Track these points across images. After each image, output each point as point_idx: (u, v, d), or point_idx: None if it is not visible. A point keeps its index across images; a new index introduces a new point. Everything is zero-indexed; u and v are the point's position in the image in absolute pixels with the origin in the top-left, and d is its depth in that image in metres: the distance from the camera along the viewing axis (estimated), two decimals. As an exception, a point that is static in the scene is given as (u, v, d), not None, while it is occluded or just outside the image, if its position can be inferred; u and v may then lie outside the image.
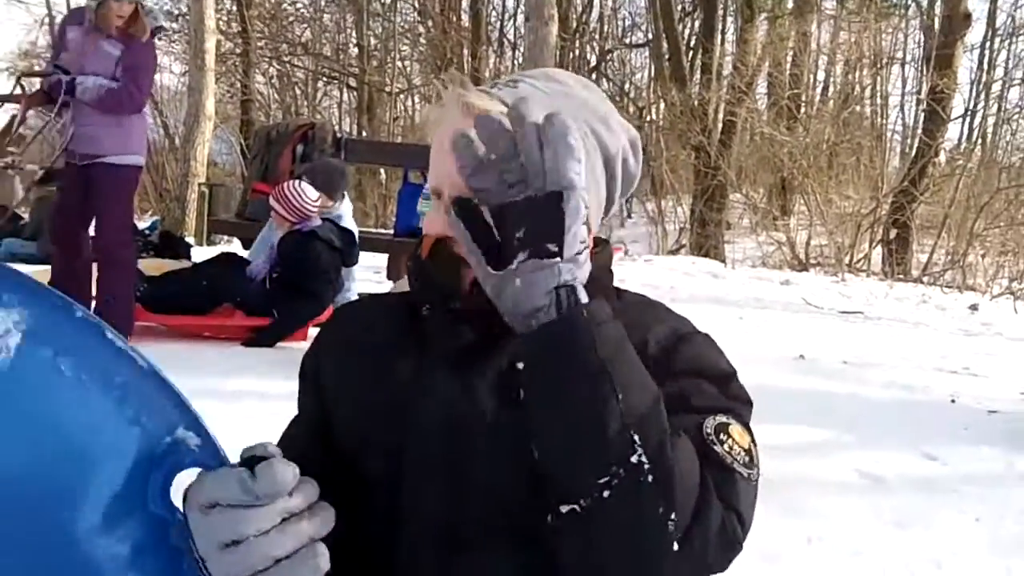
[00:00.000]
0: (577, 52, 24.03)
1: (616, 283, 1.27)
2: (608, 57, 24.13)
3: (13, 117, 6.34)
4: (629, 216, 20.43)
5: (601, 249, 1.24)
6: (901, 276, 13.80)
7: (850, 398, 5.54)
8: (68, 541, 0.89)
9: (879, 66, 21.19)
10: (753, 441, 1.08)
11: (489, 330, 1.12)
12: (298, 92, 24.73)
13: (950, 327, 8.80)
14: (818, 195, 15.47)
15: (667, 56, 19.34)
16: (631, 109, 22.11)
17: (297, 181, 6.20)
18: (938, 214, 15.84)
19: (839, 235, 14.69)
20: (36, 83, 6.02)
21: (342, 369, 1.25)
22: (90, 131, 5.44)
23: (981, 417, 5.25)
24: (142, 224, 11.33)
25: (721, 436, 1.04)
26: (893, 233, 15.25)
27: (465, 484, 1.10)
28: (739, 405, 1.14)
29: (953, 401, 5.61)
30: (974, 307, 10.21)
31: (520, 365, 1.07)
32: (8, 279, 0.87)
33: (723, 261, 14.35)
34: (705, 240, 16.11)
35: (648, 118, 21.53)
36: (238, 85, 22.17)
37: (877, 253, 15.33)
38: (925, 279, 13.86)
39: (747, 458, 1.05)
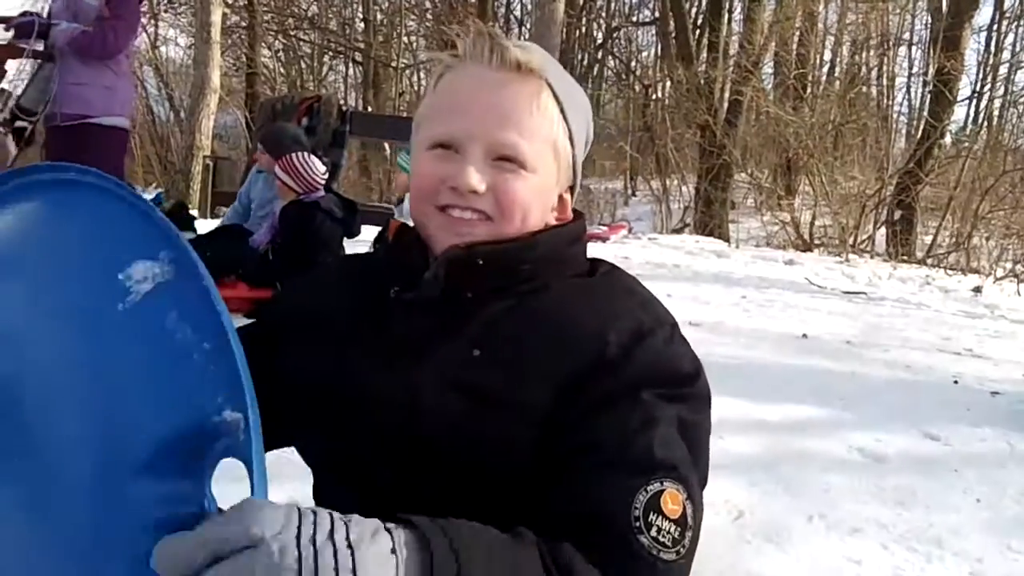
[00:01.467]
0: (583, 30, 23.97)
1: (619, 261, 1.28)
2: (614, 35, 24.06)
3: None
4: (633, 195, 20.40)
5: (572, 221, 1.26)
6: (905, 257, 13.78)
7: (852, 378, 5.53)
8: (115, 480, 0.91)
9: (886, 47, 21.11)
10: (689, 497, 1.02)
11: (448, 317, 1.15)
12: (304, 66, 24.66)
13: (953, 309, 8.78)
14: (823, 175, 15.44)
15: (674, 35, 19.29)
16: (637, 87, 22.05)
17: (304, 153, 6.18)
18: (943, 196, 15.82)
19: (843, 216, 14.65)
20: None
21: (295, 337, 1.26)
22: (75, 89, 5.26)
23: (983, 398, 5.24)
24: (146, 196, 11.31)
25: (650, 518, 0.98)
26: (898, 214, 15.23)
27: (415, 467, 1.11)
28: (697, 410, 1.11)
29: (956, 382, 5.60)
30: (977, 289, 10.19)
31: (476, 352, 1.11)
32: (173, 241, 0.95)
33: (727, 240, 14.33)
34: (709, 219, 16.10)
35: (654, 96, 21.47)
36: (243, 58, 22.12)
37: (881, 234, 15.31)
38: (929, 261, 13.84)
39: (677, 532, 1.00)
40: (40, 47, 5.31)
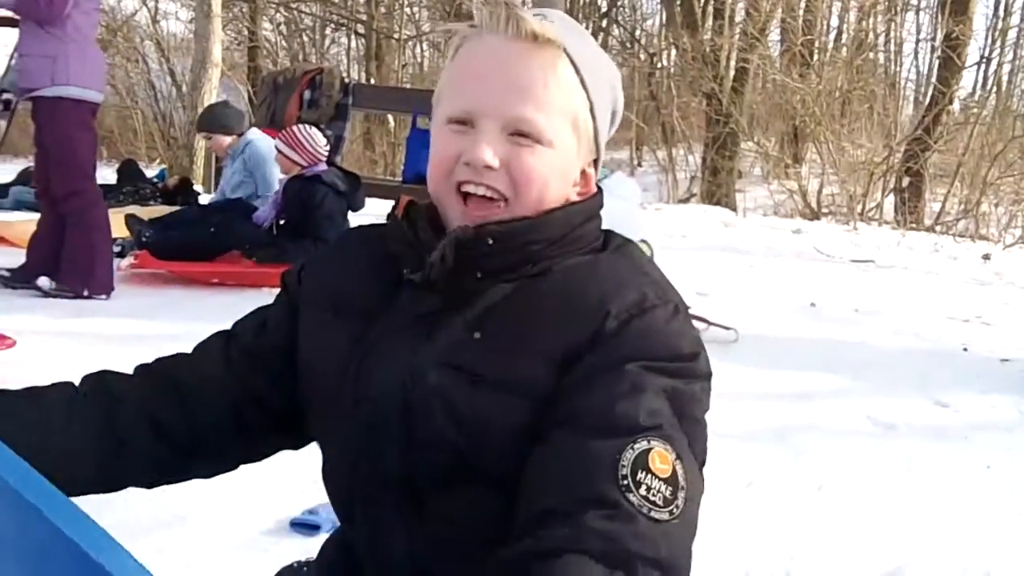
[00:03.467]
0: (588, -3, 23.80)
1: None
2: (619, 3, 23.84)
3: None
4: (640, 165, 20.33)
5: (589, 199, 1.22)
6: (913, 225, 13.73)
7: (861, 346, 5.51)
8: None
9: (893, 12, 20.87)
10: (679, 457, 0.99)
11: (454, 298, 1.13)
12: (306, 39, 24.52)
13: (962, 276, 8.75)
14: (831, 143, 15.35)
15: (679, 2, 19.13)
16: (642, 56, 21.91)
17: (306, 126, 6.16)
18: (951, 163, 15.72)
19: (851, 183, 14.58)
20: None
21: (313, 315, 1.25)
22: (23, 62, 5.22)
23: (993, 366, 5.23)
24: (150, 172, 11.31)
25: (638, 476, 0.95)
26: (906, 182, 15.18)
27: (415, 445, 1.09)
28: (691, 382, 1.07)
29: (965, 350, 5.58)
30: (987, 256, 10.15)
31: (476, 335, 1.09)
32: None
33: (734, 210, 14.28)
34: (716, 188, 16.03)
35: (659, 65, 21.34)
36: (245, 32, 22.02)
37: (889, 202, 15.25)
38: (938, 228, 13.78)
39: (668, 491, 0.96)
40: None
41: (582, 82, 1.15)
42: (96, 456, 1.18)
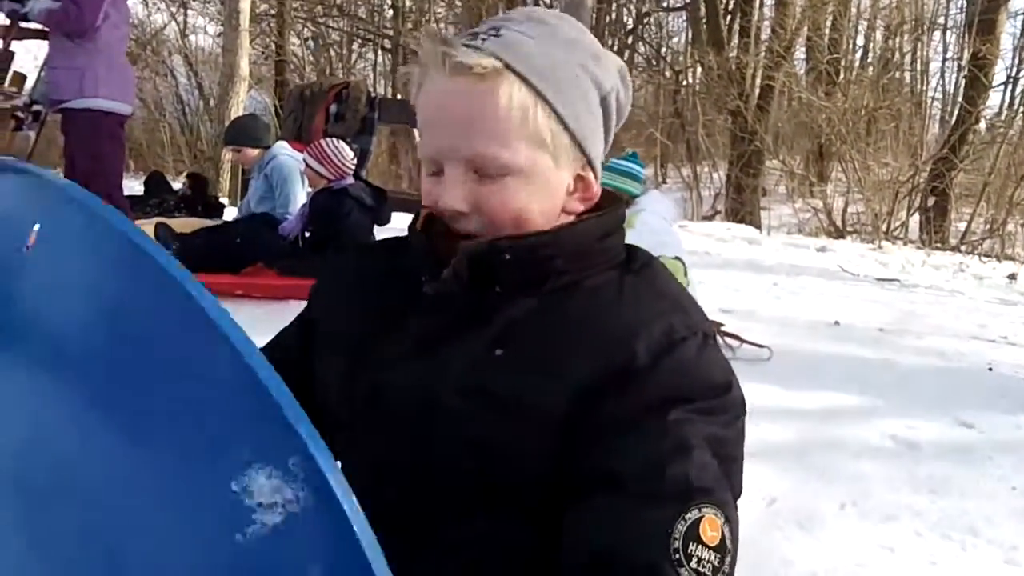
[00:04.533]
0: (613, 15, 23.84)
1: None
2: (645, 20, 23.88)
3: None
4: (664, 181, 20.32)
5: (609, 210, 1.18)
6: (939, 244, 13.67)
7: (885, 365, 5.48)
8: None
9: (920, 31, 20.83)
10: (727, 519, 0.98)
11: (473, 313, 1.09)
12: (332, 54, 24.67)
13: (987, 296, 8.70)
14: (856, 162, 15.32)
15: (705, 20, 19.17)
16: (668, 73, 21.93)
17: (334, 139, 6.19)
18: (977, 182, 15.67)
19: (876, 202, 14.55)
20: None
21: (325, 332, 1.24)
22: (52, 75, 5.28)
23: (1018, 386, 5.18)
24: (177, 185, 11.39)
25: (690, 548, 0.94)
26: (931, 201, 15.12)
27: (430, 469, 1.06)
28: (730, 422, 1.06)
29: (990, 369, 5.54)
30: (1012, 276, 10.09)
31: (498, 352, 1.06)
32: (305, 432, 0.73)
33: (759, 227, 14.25)
34: (741, 206, 16.02)
35: (685, 82, 21.36)
36: (272, 46, 22.18)
37: (914, 221, 15.20)
38: (963, 247, 13.72)
39: (717, 559, 0.96)
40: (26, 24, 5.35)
41: (537, 93, 1.07)
42: None
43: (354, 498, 0.70)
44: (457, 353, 1.07)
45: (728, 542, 0.97)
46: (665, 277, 1.18)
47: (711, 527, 0.96)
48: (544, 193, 1.11)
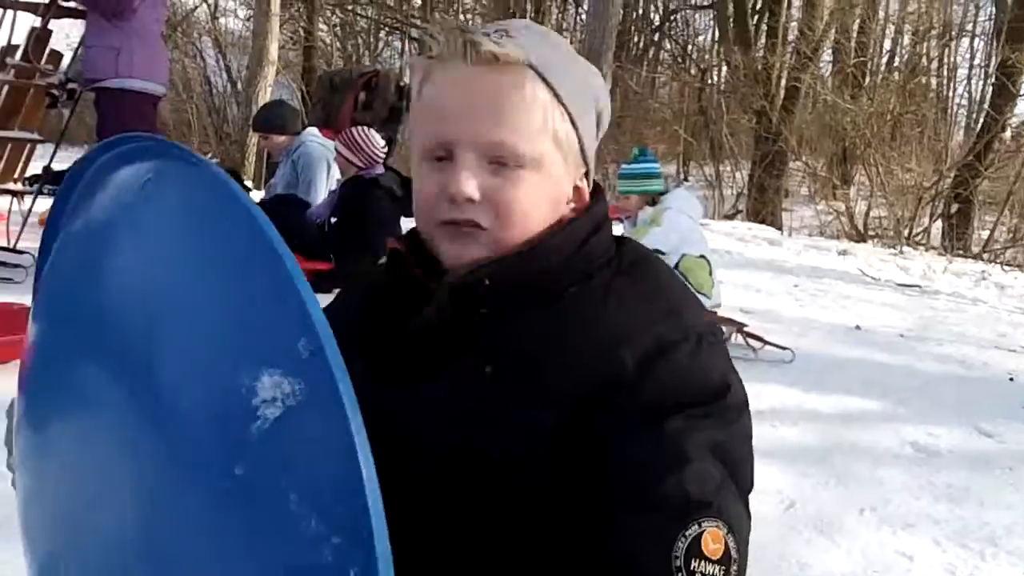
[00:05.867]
0: (640, 12, 23.81)
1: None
2: (672, 18, 23.84)
3: (33, 30, 6.34)
4: (686, 179, 20.29)
5: (586, 211, 1.17)
6: (961, 251, 13.60)
7: (906, 371, 5.49)
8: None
9: (948, 37, 20.73)
10: (731, 529, 0.97)
11: (460, 335, 1.07)
12: (360, 42, 24.70)
13: (1009, 305, 8.67)
14: (880, 166, 15.26)
15: (732, 18, 19.11)
16: (693, 71, 21.89)
17: (365, 127, 6.22)
18: (1001, 190, 15.58)
19: (899, 207, 14.48)
20: None
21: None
22: (88, 53, 5.30)
23: (1039, 397, 5.19)
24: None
25: (692, 565, 0.93)
26: (954, 208, 15.05)
27: (421, 489, 1.02)
28: (731, 424, 1.04)
29: (1011, 379, 5.54)
30: (1035, 286, 10.04)
31: (488, 369, 1.03)
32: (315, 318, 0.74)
33: (780, 228, 14.22)
34: (763, 206, 15.99)
35: (710, 80, 21.31)
36: (301, 32, 22.21)
37: (937, 227, 15.13)
38: (985, 256, 13.65)
39: (722, 571, 0.94)
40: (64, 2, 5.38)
41: (555, 94, 1.10)
42: None
43: (347, 381, 0.71)
44: (448, 373, 1.06)
45: (733, 551, 0.96)
46: (655, 274, 1.16)
47: (713, 540, 0.95)
48: (549, 196, 1.12)
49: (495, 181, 1.08)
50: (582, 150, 1.15)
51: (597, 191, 1.20)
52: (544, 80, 1.08)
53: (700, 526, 0.94)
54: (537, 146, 1.08)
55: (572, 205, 1.16)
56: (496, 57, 1.06)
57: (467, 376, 1.04)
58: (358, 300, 1.25)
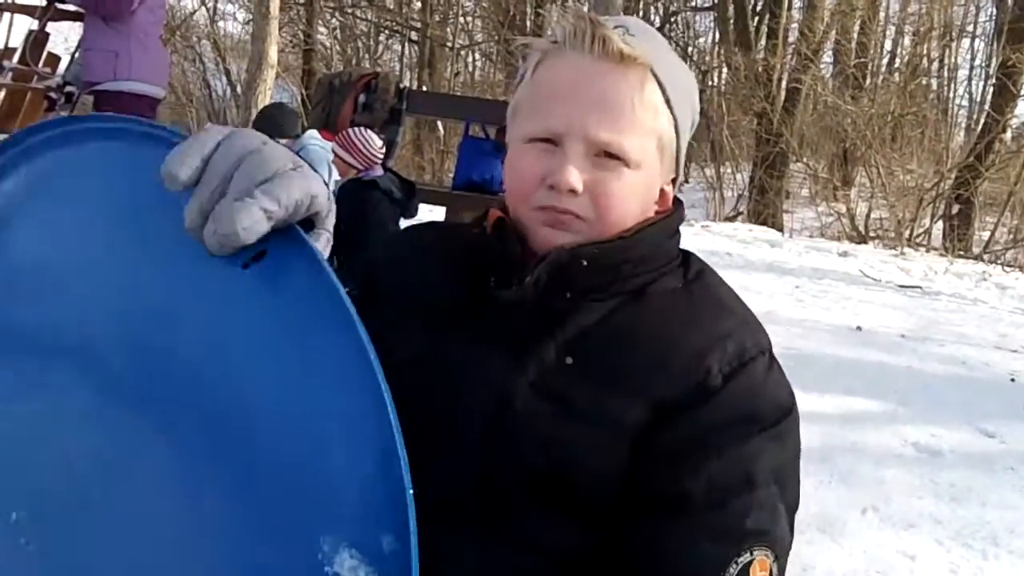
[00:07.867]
0: (641, 13, 23.80)
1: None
2: (672, 19, 23.84)
3: (31, 32, 6.34)
4: (687, 181, 20.29)
5: (672, 213, 1.18)
6: (962, 252, 13.59)
7: (907, 372, 5.49)
8: None
9: (949, 38, 20.74)
10: (777, 558, 0.99)
11: (545, 319, 1.07)
12: (360, 45, 24.72)
13: (1010, 306, 8.67)
14: (880, 167, 15.26)
15: (733, 20, 19.12)
16: (694, 72, 21.89)
17: (361, 128, 6.20)
18: (1002, 191, 15.57)
19: (900, 208, 14.48)
20: None
21: (392, 310, 1.15)
22: (86, 56, 5.29)
23: (1040, 397, 5.18)
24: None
25: None
26: (955, 208, 15.03)
27: (495, 468, 1.03)
28: (790, 446, 1.06)
29: (1012, 380, 5.54)
30: (1036, 287, 10.03)
31: (569, 360, 1.04)
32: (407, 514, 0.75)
33: (781, 230, 14.22)
34: (763, 208, 15.98)
35: (711, 82, 21.31)
36: (300, 35, 22.23)
37: (938, 228, 15.12)
38: (986, 256, 13.64)
39: None
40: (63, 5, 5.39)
41: (667, 101, 1.10)
42: None
43: None
44: (531, 358, 1.05)
45: None
46: (725, 286, 1.17)
47: (761, 568, 0.97)
48: (645, 195, 1.13)
49: (599, 175, 1.07)
50: (677, 155, 1.16)
51: (677, 201, 1.21)
52: (660, 84, 1.09)
53: (752, 554, 0.96)
54: (643, 147, 1.09)
55: (657, 207, 1.17)
56: (623, 55, 1.06)
57: (550, 364, 1.04)
58: (430, 244, 1.24)
